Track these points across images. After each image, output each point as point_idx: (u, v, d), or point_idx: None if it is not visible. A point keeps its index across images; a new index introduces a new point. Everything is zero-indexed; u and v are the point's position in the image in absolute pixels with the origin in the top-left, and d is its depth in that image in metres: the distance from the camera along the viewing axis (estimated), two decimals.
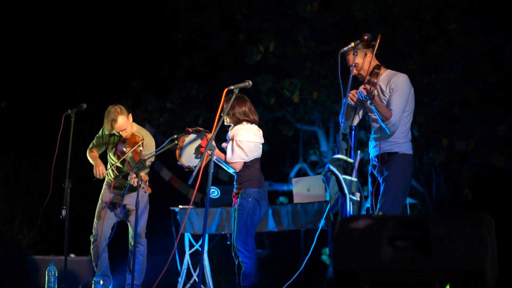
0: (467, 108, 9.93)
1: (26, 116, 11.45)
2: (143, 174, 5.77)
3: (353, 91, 4.78)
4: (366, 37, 4.70)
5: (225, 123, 5.47)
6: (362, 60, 4.81)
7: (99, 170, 6.05)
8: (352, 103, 4.82)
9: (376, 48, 4.82)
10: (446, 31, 9.25)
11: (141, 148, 5.91)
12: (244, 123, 5.38)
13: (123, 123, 5.97)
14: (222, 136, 5.95)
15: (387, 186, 4.77)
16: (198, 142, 5.46)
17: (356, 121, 4.98)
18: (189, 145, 5.47)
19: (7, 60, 11.36)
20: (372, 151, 4.97)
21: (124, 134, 6.05)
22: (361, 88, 4.72)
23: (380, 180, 4.86)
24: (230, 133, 5.42)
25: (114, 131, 6.04)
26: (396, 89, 4.77)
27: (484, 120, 9.98)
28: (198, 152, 5.42)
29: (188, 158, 5.46)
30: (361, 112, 5.05)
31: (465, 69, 9.86)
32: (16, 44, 11.71)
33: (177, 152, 5.42)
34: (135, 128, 6.18)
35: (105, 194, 6.24)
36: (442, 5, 9.08)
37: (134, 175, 5.72)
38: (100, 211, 6.18)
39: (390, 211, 4.67)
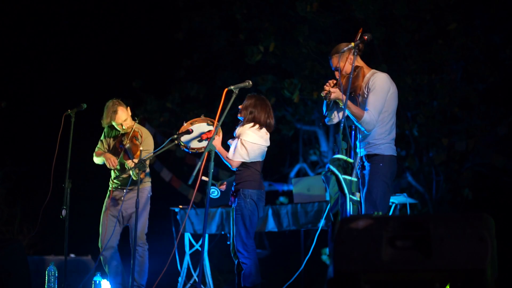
0: (467, 108, 9.93)
1: (26, 116, 11.45)
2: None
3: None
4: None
5: (238, 116, 5.48)
6: (344, 63, 4.77)
7: (111, 161, 6.07)
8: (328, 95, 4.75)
9: (356, 48, 4.67)
10: (446, 31, 9.25)
11: (139, 142, 5.97)
12: (256, 124, 5.36)
13: (123, 114, 6.11)
14: (224, 135, 5.96)
15: (367, 192, 4.70)
16: (205, 128, 5.51)
17: (340, 115, 4.90)
18: (197, 130, 5.54)
19: (7, 60, 11.36)
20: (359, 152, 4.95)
21: (125, 125, 6.10)
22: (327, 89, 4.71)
23: (360, 182, 4.81)
24: (238, 131, 5.41)
25: (114, 123, 6.09)
26: (372, 88, 4.74)
27: (484, 120, 9.98)
28: (200, 137, 5.47)
29: (189, 138, 5.51)
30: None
31: (465, 69, 9.86)
32: (16, 44, 11.71)
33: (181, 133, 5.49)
34: (135, 125, 6.22)
35: (108, 202, 6.21)
36: (442, 5, 9.09)
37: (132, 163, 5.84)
38: (104, 219, 6.16)
39: None
